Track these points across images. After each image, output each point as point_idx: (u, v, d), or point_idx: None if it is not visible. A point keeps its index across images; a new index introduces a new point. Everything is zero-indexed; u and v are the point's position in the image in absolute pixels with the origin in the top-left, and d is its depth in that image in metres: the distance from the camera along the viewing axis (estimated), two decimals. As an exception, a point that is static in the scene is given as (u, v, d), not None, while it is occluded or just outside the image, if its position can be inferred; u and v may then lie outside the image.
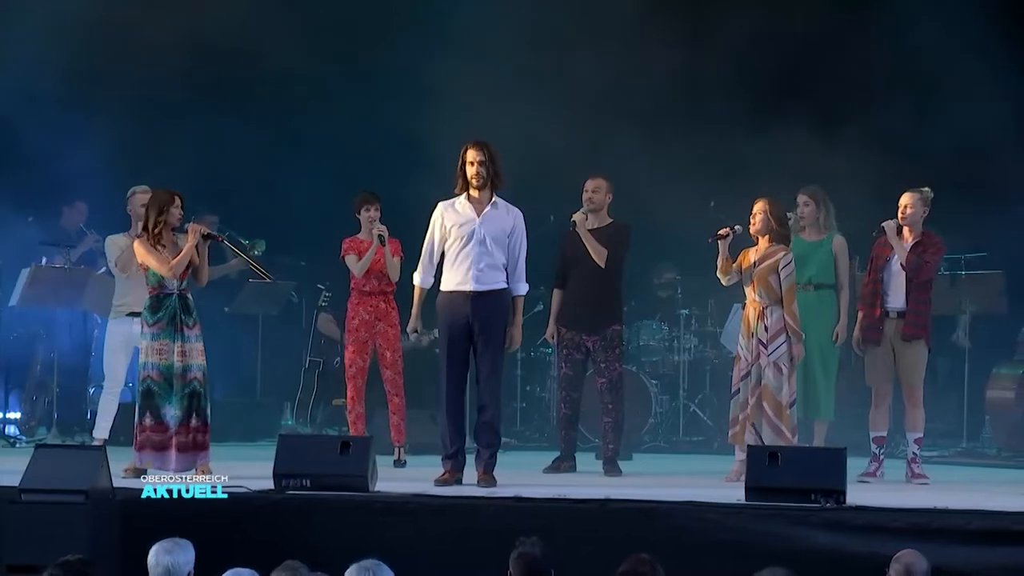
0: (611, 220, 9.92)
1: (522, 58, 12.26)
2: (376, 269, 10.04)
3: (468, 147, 8.93)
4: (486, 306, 8.84)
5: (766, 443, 8.95)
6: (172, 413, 8.90)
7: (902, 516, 7.57)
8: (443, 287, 8.98)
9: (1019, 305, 11.41)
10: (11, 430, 11.80)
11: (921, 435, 9.49)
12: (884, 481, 9.40)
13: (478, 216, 8.88)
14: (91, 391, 11.49)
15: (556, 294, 10.10)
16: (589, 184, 10.00)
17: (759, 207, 9.35)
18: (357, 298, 10.12)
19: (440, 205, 8.99)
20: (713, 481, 9.20)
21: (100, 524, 7.50)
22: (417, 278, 9.07)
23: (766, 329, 9.24)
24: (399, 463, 10.04)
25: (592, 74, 12.49)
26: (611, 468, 9.72)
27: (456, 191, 8.98)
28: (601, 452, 9.97)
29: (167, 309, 8.96)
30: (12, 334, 11.97)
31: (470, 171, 8.89)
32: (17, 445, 11.15)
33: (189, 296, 9.03)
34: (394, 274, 10.04)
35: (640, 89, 12.34)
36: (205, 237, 9.03)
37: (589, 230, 9.88)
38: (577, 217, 9.86)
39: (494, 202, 8.92)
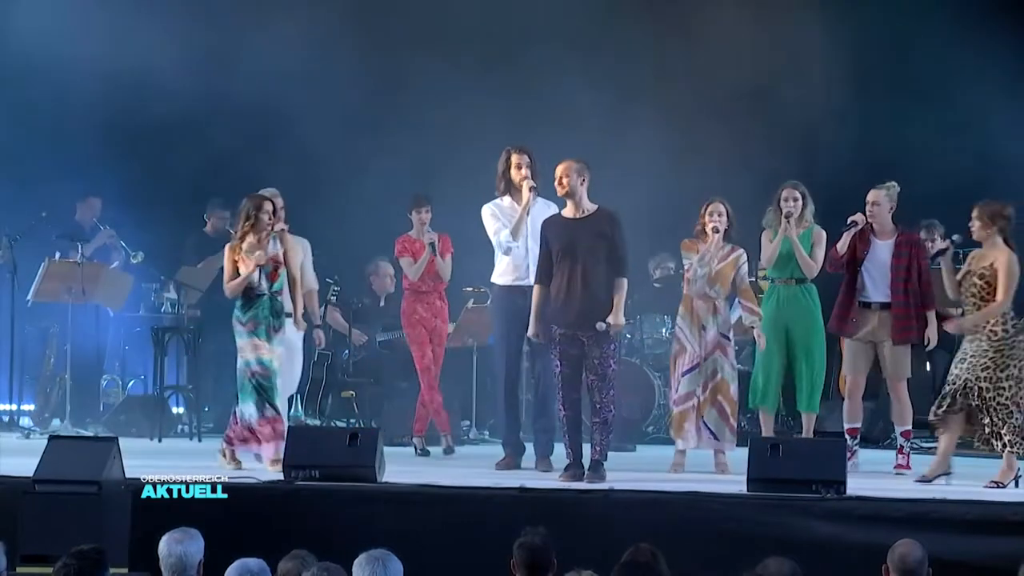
0: (597, 207, 8.82)
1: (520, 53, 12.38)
2: (430, 271, 10.27)
3: (511, 153, 9.28)
4: None
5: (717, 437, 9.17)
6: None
7: (901, 506, 7.65)
8: (498, 281, 9.37)
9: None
10: (25, 422, 11.83)
11: (909, 427, 9.43)
12: (882, 472, 9.46)
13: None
14: (104, 383, 11.58)
15: (538, 290, 8.86)
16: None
17: (720, 208, 9.28)
18: (414, 297, 10.33)
19: (488, 206, 9.33)
20: (715, 473, 9.25)
21: (112, 514, 7.55)
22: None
23: (724, 322, 9.30)
24: (448, 450, 10.25)
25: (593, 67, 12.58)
26: (594, 474, 8.65)
27: (498, 194, 9.32)
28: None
29: (259, 308, 9.02)
30: (26, 327, 11.96)
31: (517, 175, 9.24)
32: (31, 436, 11.15)
33: (277, 299, 9.05)
34: (446, 276, 10.30)
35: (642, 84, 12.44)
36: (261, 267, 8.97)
37: (567, 219, 8.83)
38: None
39: (536, 199, 9.24)
